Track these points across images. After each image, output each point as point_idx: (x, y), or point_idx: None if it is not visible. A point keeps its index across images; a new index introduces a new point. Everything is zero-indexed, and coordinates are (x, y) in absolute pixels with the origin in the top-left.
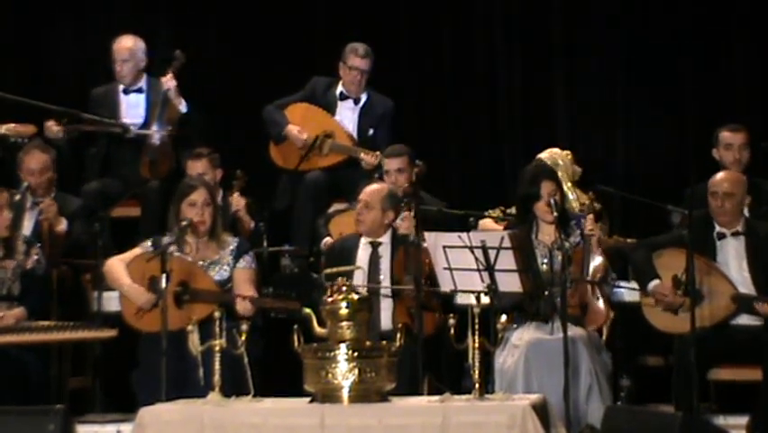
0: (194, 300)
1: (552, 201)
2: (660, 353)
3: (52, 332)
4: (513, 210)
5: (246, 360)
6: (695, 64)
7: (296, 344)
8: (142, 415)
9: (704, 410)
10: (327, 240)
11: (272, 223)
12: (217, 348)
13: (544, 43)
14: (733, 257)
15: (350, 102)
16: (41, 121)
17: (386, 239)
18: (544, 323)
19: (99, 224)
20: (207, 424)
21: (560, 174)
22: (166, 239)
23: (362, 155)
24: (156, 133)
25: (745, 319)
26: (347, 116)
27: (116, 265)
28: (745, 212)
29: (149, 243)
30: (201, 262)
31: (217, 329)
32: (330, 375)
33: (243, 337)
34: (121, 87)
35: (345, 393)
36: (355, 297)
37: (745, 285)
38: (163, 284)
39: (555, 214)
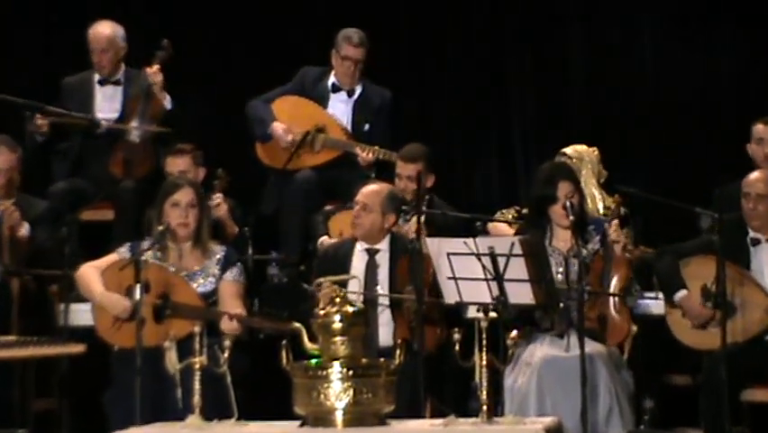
0: (175, 315)
1: (568, 204)
2: (687, 371)
3: (14, 348)
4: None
5: (229, 379)
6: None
7: (284, 361)
8: None
9: None
10: (325, 240)
11: (258, 228)
12: (197, 366)
13: (561, 22)
14: None
15: (343, 94)
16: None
17: (384, 245)
18: (559, 338)
19: (67, 229)
20: None
21: (584, 173)
22: (145, 245)
23: (358, 150)
24: (136, 130)
25: None
26: (340, 110)
27: (90, 272)
28: None
29: (126, 248)
30: (184, 273)
31: (197, 345)
32: (322, 396)
33: (226, 354)
34: (96, 77)
35: (339, 416)
36: (350, 309)
37: None
38: (137, 295)
39: (572, 218)
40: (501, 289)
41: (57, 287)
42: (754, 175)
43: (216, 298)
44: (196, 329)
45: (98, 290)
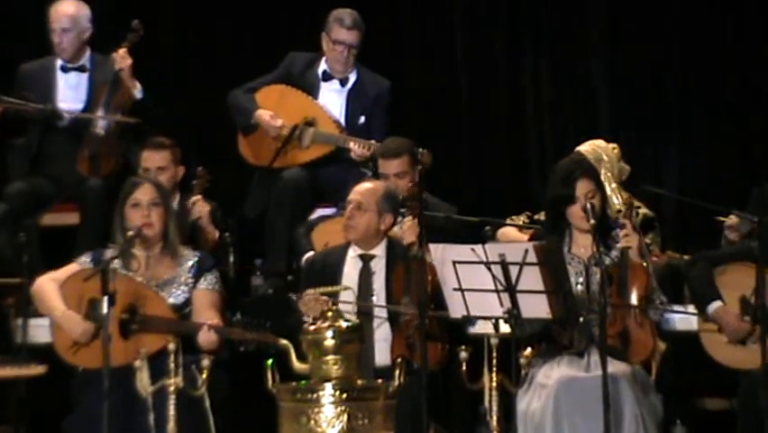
0: (144, 330)
1: (588, 205)
2: (722, 394)
3: None
4: (542, 216)
5: (208, 402)
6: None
7: (270, 382)
8: None
9: None
10: (310, 255)
11: (241, 233)
12: (172, 388)
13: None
14: None
15: (335, 83)
16: None
17: (380, 251)
18: (579, 357)
19: (25, 234)
20: None
21: (603, 172)
22: (109, 253)
23: (352, 145)
24: (101, 121)
25: None
26: (332, 100)
27: (47, 286)
28: None
29: (88, 257)
30: (153, 282)
31: (172, 365)
32: (313, 422)
33: (205, 375)
34: (59, 62)
35: None
36: (343, 324)
37: None
38: (104, 309)
39: (593, 221)
40: (513, 301)
41: (13, 299)
42: None
43: (190, 309)
44: (170, 346)
45: (58, 307)
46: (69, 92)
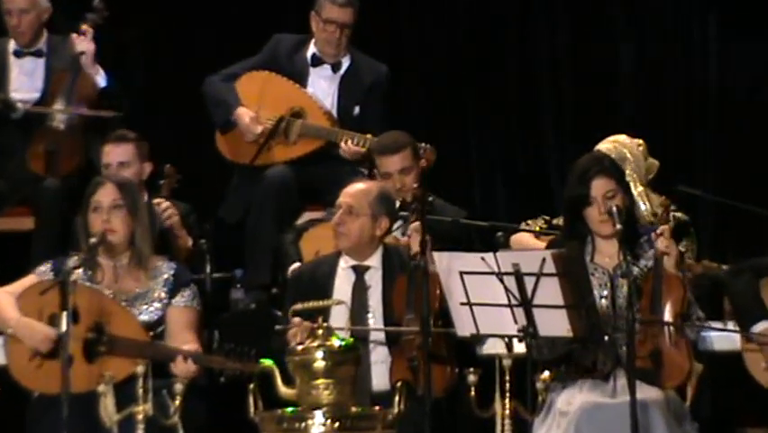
0: (112, 352)
1: (613, 208)
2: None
3: None
4: (561, 221)
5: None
6: None
7: (252, 410)
8: None
9: None
10: (297, 267)
11: (218, 240)
12: (140, 416)
13: None
14: None
15: (326, 68)
16: None
17: (375, 261)
18: (604, 381)
19: None
20: None
21: (627, 171)
22: (72, 262)
23: (344, 140)
24: (61, 114)
25: None
26: (323, 88)
27: (1, 298)
28: None
29: (48, 267)
30: (122, 297)
31: (140, 390)
32: None
33: (178, 402)
34: (12, 46)
35: None
36: (335, 343)
37: None
38: (64, 326)
39: (618, 226)
40: (529, 317)
41: None
42: None
43: (163, 328)
44: (139, 370)
45: (12, 317)
46: (24, 80)
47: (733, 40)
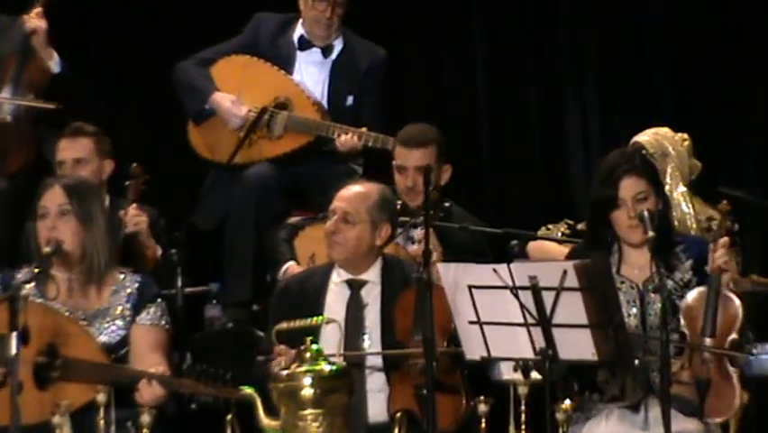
0: (67, 377)
1: (644, 213)
2: None
3: None
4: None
5: None
6: None
7: None
8: None
9: None
10: (291, 266)
11: (192, 249)
12: None
13: None
14: None
15: (315, 53)
16: None
17: (373, 275)
18: (633, 411)
19: None
20: None
21: (669, 170)
22: (22, 275)
23: (336, 134)
24: (8, 104)
25: None
26: (312, 75)
27: None
28: None
29: None
30: (79, 314)
31: (102, 421)
32: None
33: None
34: None
35: None
36: (326, 369)
37: None
38: (13, 349)
39: (650, 233)
40: (548, 338)
41: None
42: None
43: (127, 350)
44: (100, 398)
45: None
46: None
47: None
